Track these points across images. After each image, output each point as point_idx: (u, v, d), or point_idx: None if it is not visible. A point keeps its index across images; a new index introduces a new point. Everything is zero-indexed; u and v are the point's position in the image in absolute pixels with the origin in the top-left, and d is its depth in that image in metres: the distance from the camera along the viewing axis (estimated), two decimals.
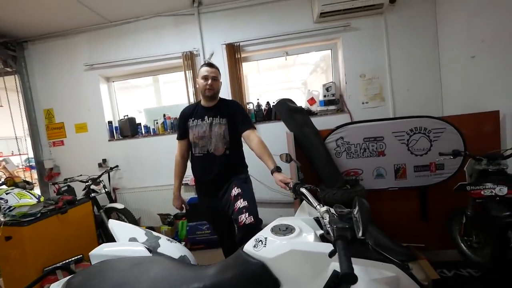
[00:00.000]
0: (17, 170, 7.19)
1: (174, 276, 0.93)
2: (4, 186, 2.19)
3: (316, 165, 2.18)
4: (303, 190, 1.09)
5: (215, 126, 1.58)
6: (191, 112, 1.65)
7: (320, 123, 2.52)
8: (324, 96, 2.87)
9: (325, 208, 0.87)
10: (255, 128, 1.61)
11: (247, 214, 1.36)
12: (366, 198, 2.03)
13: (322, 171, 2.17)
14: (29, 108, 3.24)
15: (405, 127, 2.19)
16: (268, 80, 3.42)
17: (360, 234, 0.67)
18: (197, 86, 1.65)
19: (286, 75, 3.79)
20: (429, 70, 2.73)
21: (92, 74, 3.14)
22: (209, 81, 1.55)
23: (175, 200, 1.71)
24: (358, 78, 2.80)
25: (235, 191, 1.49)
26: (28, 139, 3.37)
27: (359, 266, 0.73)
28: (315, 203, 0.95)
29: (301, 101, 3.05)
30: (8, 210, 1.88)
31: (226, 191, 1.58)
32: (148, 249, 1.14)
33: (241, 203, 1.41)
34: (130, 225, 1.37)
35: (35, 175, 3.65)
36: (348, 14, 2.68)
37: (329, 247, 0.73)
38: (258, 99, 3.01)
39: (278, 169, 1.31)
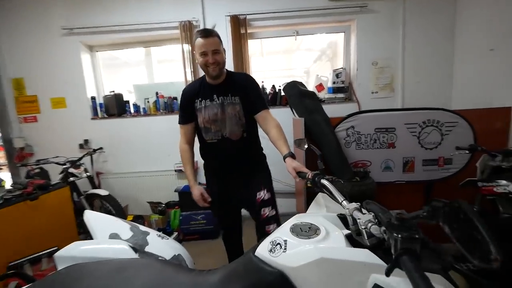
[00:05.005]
0: None
1: (168, 285, 0.75)
2: None
3: (325, 155, 2.06)
4: (324, 182, 0.92)
5: (228, 106, 1.34)
6: (197, 91, 1.37)
7: (326, 111, 2.37)
8: (334, 82, 2.71)
9: (354, 204, 0.71)
10: (269, 108, 1.40)
11: (275, 225, 1.35)
12: (376, 192, 1.97)
13: (331, 162, 2.05)
14: None
15: (418, 119, 2.11)
16: (270, 66, 3.20)
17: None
18: (197, 62, 1.37)
19: (289, 62, 3.57)
20: (441, 62, 2.65)
21: (72, 40, 2.72)
22: (210, 58, 1.25)
23: (193, 190, 1.42)
24: (370, 65, 2.66)
25: (265, 194, 1.37)
26: None
27: (399, 278, 0.58)
28: (340, 197, 0.80)
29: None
30: None
31: (249, 181, 1.41)
32: (133, 248, 0.94)
33: (269, 211, 1.36)
34: (112, 217, 1.14)
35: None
36: None
37: (367, 254, 0.60)
38: (262, 82, 2.79)
39: (292, 155, 1.19)
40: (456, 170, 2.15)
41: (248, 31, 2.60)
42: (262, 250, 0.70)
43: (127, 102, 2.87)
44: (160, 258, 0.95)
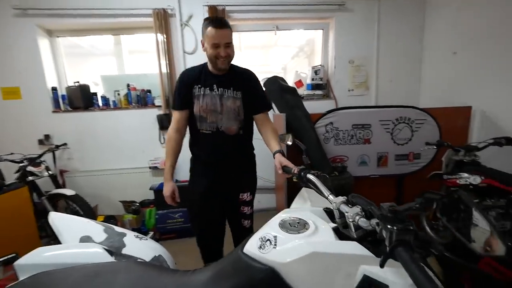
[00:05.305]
0: None
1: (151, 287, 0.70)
2: None
3: (305, 150, 2.08)
4: (310, 176, 0.94)
5: (228, 99, 1.29)
6: (197, 77, 1.30)
7: (305, 107, 2.40)
8: (312, 79, 2.74)
9: (341, 198, 0.73)
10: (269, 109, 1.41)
11: (250, 221, 1.46)
12: (353, 186, 2.05)
13: (312, 157, 2.07)
14: None
15: (391, 116, 2.22)
16: (247, 61, 3.15)
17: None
18: (204, 51, 1.26)
19: (267, 58, 3.55)
20: (411, 62, 2.81)
21: (26, 22, 2.41)
22: (222, 51, 1.19)
23: (166, 186, 1.35)
24: (347, 63, 2.73)
25: (248, 197, 1.42)
26: None
27: (387, 268, 0.59)
28: (326, 192, 0.82)
29: None
30: None
31: (236, 179, 1.39)
32: (108, 251, 0.87)
33: (247, 210, 1.44)
34: (82, 218, 1.05)
35: None
36: None
37: (356, 247, 0.62)
38: None
39: (282, 152, 1.22)
40: (424, 164, 2.31)
41: None
42: (251, 247, 0.68)
43: (95, 94, 2.64)
44: (139, 260, 0.89)
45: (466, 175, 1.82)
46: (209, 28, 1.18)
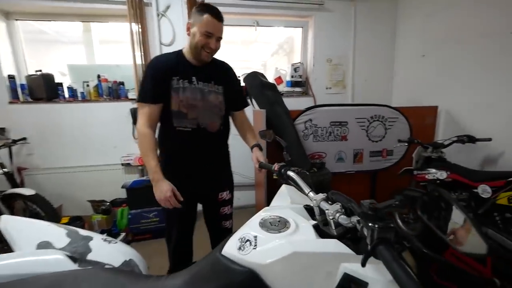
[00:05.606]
0: None
1: None
2: None
3: (285, 146, 2.09)
4: (291, 173, 0.93)
5: (210, 94, 1.20)
6: (174, 67, 1.17)
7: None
8: (292, 76, 2.76)
9: (321, 195, 0.72)
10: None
11: (231, 221, 1.42)
12: (331, 182, 2.09)
13: (292, 154, 2.08)
14: None
15: (367, 114, 2.30)
16: (227, 56, 3.08)
17: None
18: (190, 36, 1.15)
19: (246, 54, 3.51)
20: (384, 63, 2.94)
21: None
22: (213, 44, 1.13)
23: (161, 186, 1.11)
24: (325, 62, 2.79)
25: (227, 195, 1.37)
26: None
27: (374, 265, 0.59)
28: (307, 189, 0.81)
29: None
30: None
31: (214, 178, 1.31)
32: (71, 257, 0.79)
33: (228, 210, 1.39)
34: (40, 222, 0.94)
35: None
36: None
37: (337, 244, 0.61)
38: None
39: (259, 146, 1.24)
40: (396, 160, 2.43)
41: None
42: (230, 249, 0.65)
43: (60, 84, 2.42)
44: (107, 266, 0.81)
45: (434, 170, 1.94)
46: (207, 15, 1.10)
